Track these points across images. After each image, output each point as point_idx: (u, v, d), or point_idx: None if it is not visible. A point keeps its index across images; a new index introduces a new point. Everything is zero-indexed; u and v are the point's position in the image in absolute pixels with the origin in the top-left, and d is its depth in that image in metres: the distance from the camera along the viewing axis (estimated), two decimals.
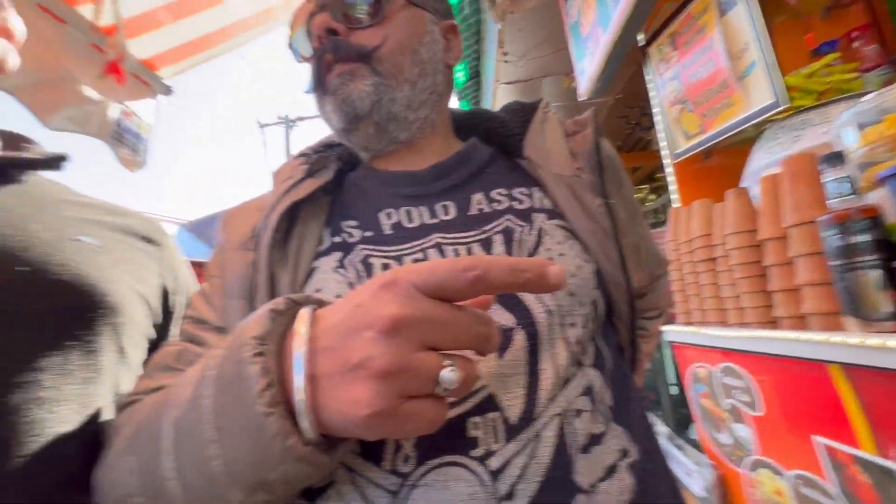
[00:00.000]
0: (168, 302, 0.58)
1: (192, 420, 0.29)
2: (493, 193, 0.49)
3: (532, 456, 0.34)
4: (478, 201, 0.48)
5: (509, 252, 0.43)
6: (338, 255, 0.45)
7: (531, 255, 0.43)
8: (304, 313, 0.29)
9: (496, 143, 0.56)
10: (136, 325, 0.51)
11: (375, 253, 0.45)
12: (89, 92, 1.31)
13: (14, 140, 0.53)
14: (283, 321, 0.30)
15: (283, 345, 0.29)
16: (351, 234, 0.47)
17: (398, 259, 0.44)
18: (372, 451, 0.34)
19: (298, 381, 0.26)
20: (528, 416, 0.35)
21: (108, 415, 0.46)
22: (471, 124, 0.60)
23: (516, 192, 0.49)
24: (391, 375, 0.25)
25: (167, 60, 1.61)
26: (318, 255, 0.46)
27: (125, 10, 1.34)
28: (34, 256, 0.44)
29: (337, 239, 0.47)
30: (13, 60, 0.47)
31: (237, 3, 1.68)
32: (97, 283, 0.47)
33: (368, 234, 0.47)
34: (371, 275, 0.43)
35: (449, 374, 0.26)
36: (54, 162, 0.51)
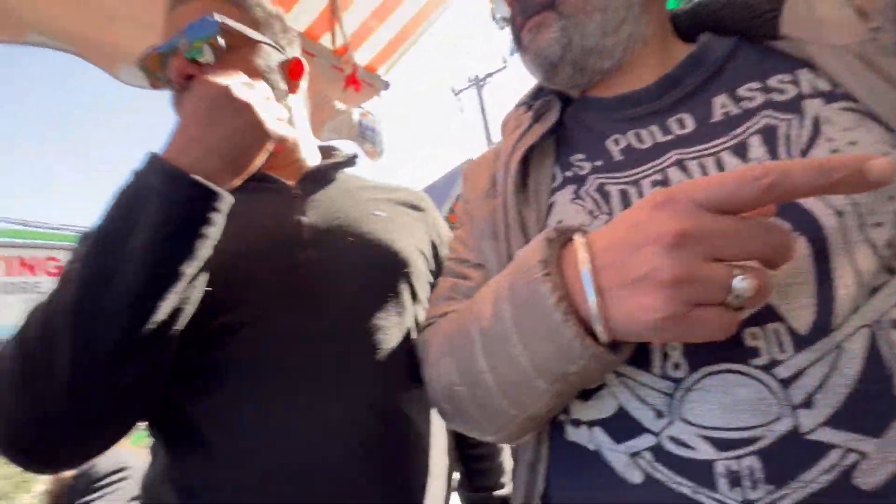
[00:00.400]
0: (437, 253, 0.72)
1: (496, 328, 0.38)
2: (741, 91, 0.43)
3: (833, 367, 0.31)
4: (721, 104, 0.43)
5: (773, 153, 0.38)
6: (572, 187, 0.48)
7: (805, 152, 0.37)
8: (578, 238, 0.34)
9: (736, 31, 0.48)
10: (420, 273, 0.66)
11: (609, 180, 0.46)
12: (338, 105, 1.66)
13: (326, 150, 0.74)
14: (556, 247, 0.35)
15: (560, 266, 0.34)
16: (581, 167, 0.49)
17: (635, 183, 0.44)
18: (640, 359, 0.37)
19: (590, 293, 0.31)
20: (822, 327, 0.32)
21: (414, 335, 0.62)
22: (697, 20, 0.53)
23: (774, 81, 0.41)
24: (679, 283, 0.27)
25: (382, 60, 1.89)
26: (553, 190, 0.50)
27: (347, 28, 1.63)
28: (354, 229, 0.61)
29: (568, 173, 0.50)
30: (292, 135, 0.60)
31: None
32: (392, 244, 0.63)
33: (598, 163, 0.48)
34: (608, 202, 0.45)
35: (741, 283, 0.26)
36: (352, 160, 0.70)
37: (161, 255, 0.41)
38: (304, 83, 0.70)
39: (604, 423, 0.39)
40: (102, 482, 1.60)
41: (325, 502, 0.48)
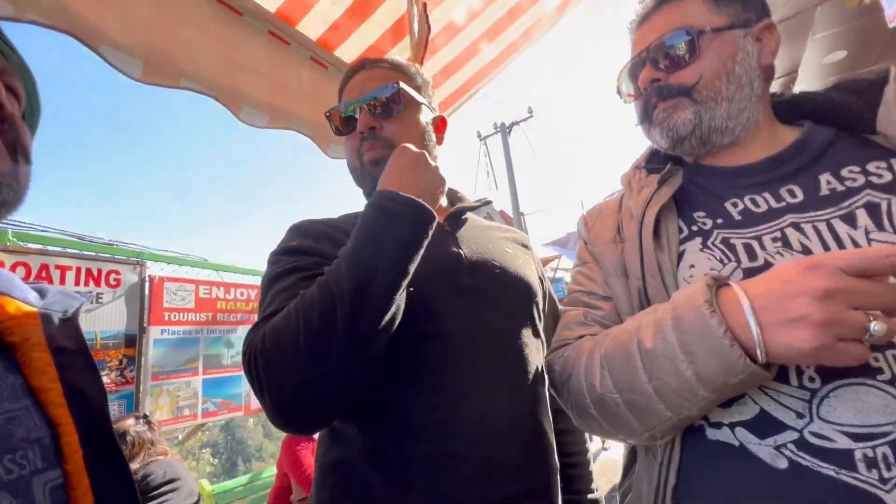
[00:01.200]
0: (543, 284, 0.85)
1: (661, 349, 0.49)
2: (844, 172, 0.55)
3: None
4: (826, 181, 0.55)
5: (878, 225, 0.49)
6: (699, 239, 0.60)
7: None
8: (735, 286, 0.46)
9: (835, 123, 0.60)
10: (538, 299, 0.78)
11: (732, 235, 0.58)
12: None
13: (452, 193, 0.88)
14: (714, 290, 0.47)
15: (719, 304, 0.46)
16: (704, 223, 0.61)
17: (758, 238, 0.56)
18: (778, 374, 0.48)
19: (754, 327, 0.43)
20: None
21: (541, 352, 0.73)
22: (798, 109, 0.66)
23: (872, 166, 0.53)
24: (828, 324, 0.39)
25: (442, 109, 2.09)
26: (682, 241, 0.62)
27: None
28: (497, 263, 0.74)
29: (694, 227, 0.62)
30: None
31: (486, 51, 2.04)
32: (524, 277, 0.75)
33: (719, 220, 0.60)
34: (735, 252, 0.56)
35: (876, 327, 0.38)
36: (486, 204, 0.83)
37: (404, 260, 0.55)
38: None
39: (746, 424, 0.49)
40: (157, 492, 1.67)
41: (496, 478, 0.60)
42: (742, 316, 0.44)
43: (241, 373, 2.99)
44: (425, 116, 0.80)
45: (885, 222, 0.49)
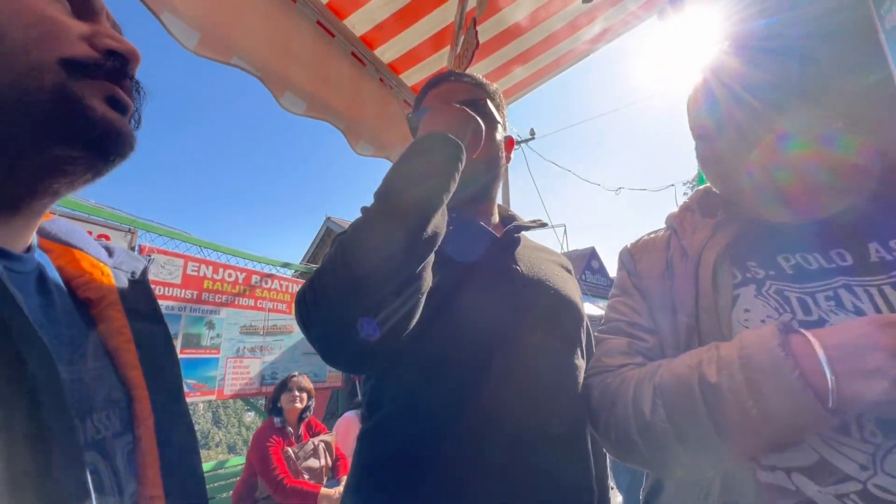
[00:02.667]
0: (581, 306, 0.87)
1: (728, 384, 0.52)
2: (891, 243, 0.59)
3: None
4: (875, 249, 0.59)
5: None
6: (753, 286, 0.64)
7: None
8: (807, 333, 0.49)
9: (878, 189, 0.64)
10: (585, 324, 0.80)
11: (786, 288, 0.62)
12: None
13: (505, 211, 0.90)
14: (785, 335, 0.51)
15: (790, 349, 0.49)
16: (757, 272, 0.65)
17: (811, 295, 0.59)
18: (839, 427, 0.51)
19: (829, 374, 0.46)
20: None
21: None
22: None
23: None
24: None
25: None
26: (737, 285, 0.65)
27: None
28: (550, 284, 0.76)
29: (747, 274, 0.65)
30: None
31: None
32: (574, 301, 0.77)
33: (771, 272, 0.64)
34: (789, 304, 0.60)
35: None
36: (541, 226, 0.86)
37: (427, 179, 0.59)
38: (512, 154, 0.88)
39: (804, 470, 0.52)
40: None
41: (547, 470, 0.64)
42: (817, 363, 0.47)
43: (219, 356, 2.92)
44: (500, 134, 0.82)
45: None
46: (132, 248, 2.53)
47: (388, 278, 0.54)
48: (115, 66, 0.39)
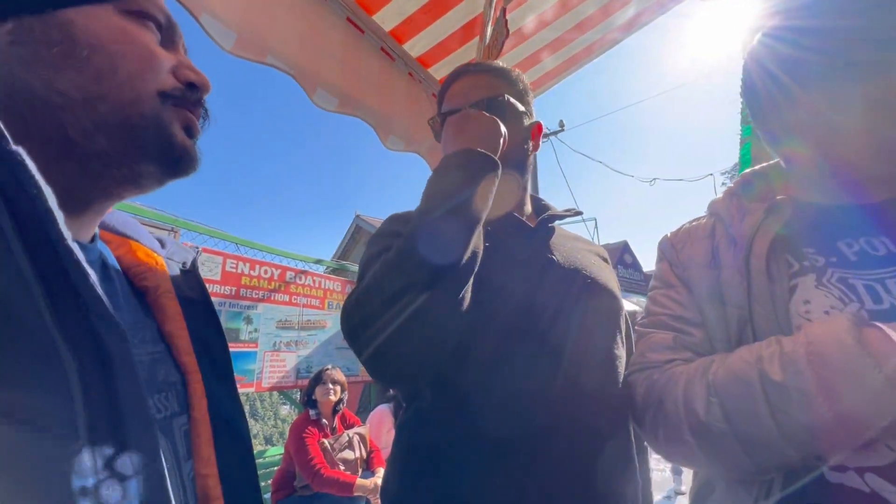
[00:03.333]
0: (619, 295, 0.84)
1: (795, 382, 0.48)
2: None
3: None
4: None
5: None
6: (812, 275, 0.59)
7: None
8: (885, 327, 0.46)
9: None
10: (624, 312, 0.78)
11: (850, 275, 0.57)
12: None
13: (539, 202, 0.88)
14: (859, 329, 0.47)
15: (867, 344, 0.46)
16: (816, 260, 0.60)
17: (881, 281, 0.55)
18: None
19: None
20: None
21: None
22: None
23: None
24: None
25: None
26: (794, 275, 0.61)
27: None
28: (588, 273, 0.74)
29: (805, 263, 0.61)
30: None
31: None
32: (612, 290, 0.75)
33: (832, 259, 0.59)
34: (856, 293, 0.55)
35: None
36: (575, 215, 0.84)
37: (462, 196, 0.58)
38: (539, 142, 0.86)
39: (880, 471, 0.49)
40: None
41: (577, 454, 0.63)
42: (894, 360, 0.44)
43: (257, 349, 3.01)
44: (525, 123, 0.80)
45: None
46: None
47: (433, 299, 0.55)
48: (195, 98, 0.44)
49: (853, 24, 0.61)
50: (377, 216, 11.95)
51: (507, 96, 0.76)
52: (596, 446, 0.63)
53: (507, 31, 1.43)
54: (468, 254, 0.56)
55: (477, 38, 1.76)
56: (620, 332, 0.74)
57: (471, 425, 0.61)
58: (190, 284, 0.53)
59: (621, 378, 0.70)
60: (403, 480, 0.64)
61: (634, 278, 16.01)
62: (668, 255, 0.80)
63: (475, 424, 0.61)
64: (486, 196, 0.60)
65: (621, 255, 15.78)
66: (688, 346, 0.67)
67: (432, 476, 0.61)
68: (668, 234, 0.83)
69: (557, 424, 0.61)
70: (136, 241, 0.52)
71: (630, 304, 12.08)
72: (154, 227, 2.59)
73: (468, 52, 1.82)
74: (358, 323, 0.57)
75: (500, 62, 0.86)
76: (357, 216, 11.24)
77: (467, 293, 0.58)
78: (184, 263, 0.56)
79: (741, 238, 0.67)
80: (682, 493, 4.24)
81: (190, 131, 0.43)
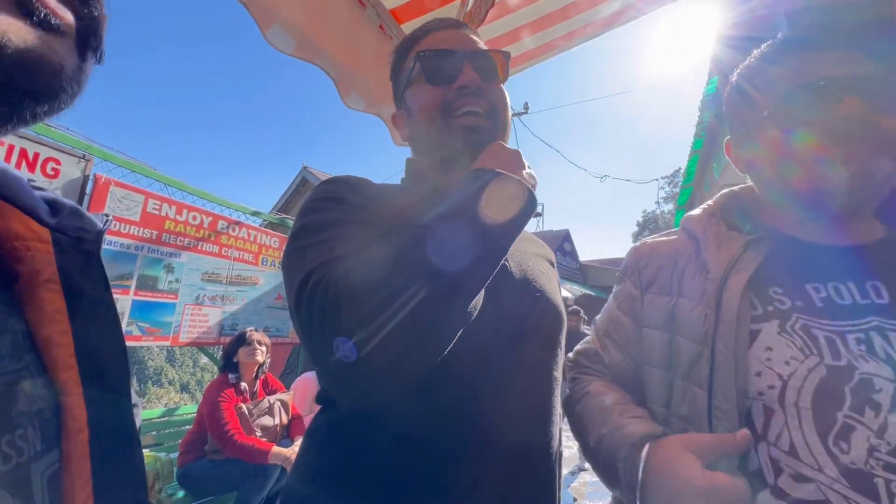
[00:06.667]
0: (563, 307, 0.81)
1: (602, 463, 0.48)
2: None
3: None
4: None
5: None
6: (776, 321, 0.57)
7: None
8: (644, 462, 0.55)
9: None
10: (565, 327, 0.74)
11: (814, 324, 0.55)
12: None
13: None
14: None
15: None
16: (783, 302, 0.59)
17: (841, 335, 0.54)
18: (867, 491, 0.48)
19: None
20: None
21: None
22: (890, 201, 0.62)
23: None
24: None
25: None
26: (757, 319, 0.59)
27: None
28: (537, 284, 0.68)
29: (770, 308, 0.59)
30: None
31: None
32: (557, 305, 0.71)
33: (798, 303, 0.57)
34: (816, 344, 0.54)
35: None
36: (536, 216, 0.78)
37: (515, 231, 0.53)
38: None
39: None
40: None
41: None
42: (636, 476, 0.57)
43: (177, 301, 2.77)
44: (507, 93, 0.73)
45: None
46: (86, 178, 2.31)
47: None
48: None
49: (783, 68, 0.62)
50: (327, 171, 11.37)
51: (507, 59, 0.71)
52: (533, 464, 0.60)
53: None
54: (487, 281, 0.51)
55: (459, 1, 1.62)
56: (562, 351, 0.70)
57: (395, 450, 0.55)
58: (86, 271, 0.40)
59: (557, 400, 0.66)
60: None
61: (571, 266, 16.75)
62: (629, 269, 0.78)
63: (401, 449, 0.55)
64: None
65: (561, 243, 16.39)
66: (605, 363, 0.78)
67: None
68: (637, 245, 0.81)
69: (488, 451, 0.56)
70: (10, 202, 0.37)
71: (564, 291, 12.66)
72: (61, 152, 2.23)
73: (448, 13, 1.68)
74: (361, 318, 0.44)
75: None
76: (304, 168, 10.63)
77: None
78: (80, 239, 0.41)
79: (716, 269, 0.64)
80: (585, 470, 4.59)
81: (38, 15, 0.28)
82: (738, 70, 0.70)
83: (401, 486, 0.53)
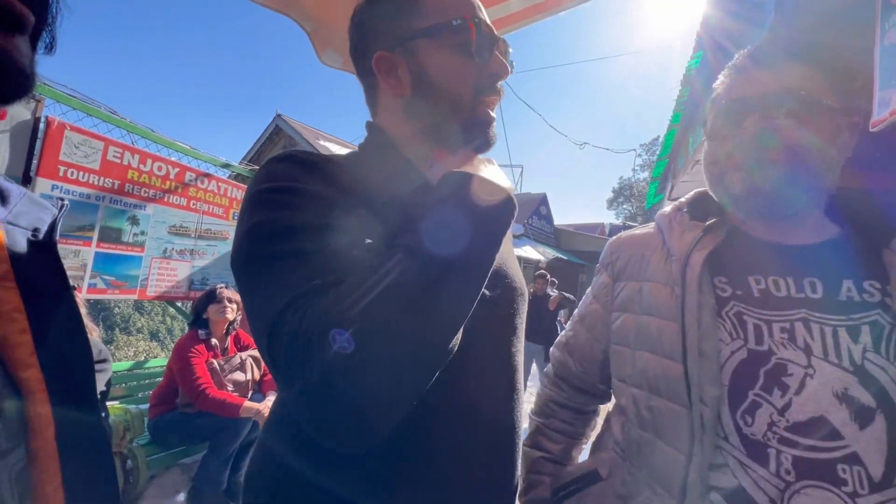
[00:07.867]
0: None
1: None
2: (865, 284, 0.58)
3: None
4: (847, 288, 0.58)
5: (876, 347, 0.54)
6: (716, 307, 0.63)
7: None
8: None
9: (867, 235, 0.62)
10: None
11: (747, 312, 0.61)
12: None
13: None
14: None
15: None
16: (723, 290, 0.64)
17: (768, 323, 0.59)
18: (760, 457, 0.54)
19: None
20: (887, 481, 0.51)
21: None
22: (842, 204, 0.67)
23: (892, 287, 0.56)
24: None
25: None
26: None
27: None
28: (506, 270, 0.70)
29: (715, 293, 0.64)
30: None
31: None
32: (523, 290, 0.73)
33: (738, 292, 0.63)
34: (744, 329, 0.60)
35: None
36: None
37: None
38: None
39: (725, 494, 0.56)
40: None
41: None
42: None
43: (143, 254, 2.69)
44: None
45: (883, 346, 0.54)
46: (37, 120, 2.15)
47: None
48: None
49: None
50: (302, 120, 10.89)
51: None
52: (504, 460, 0.65)
53: None
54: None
55: None
56: (523, 321, 0.72)
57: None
58: (42, 265, 0.39)
59: (521, 375, 0.69)
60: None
61: (545, 230, 17.00)
62: (605, 260, 0.85)
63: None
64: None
65: (538, 206, 16.51)
66: (565, 377, 0.89)
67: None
68: (611, 241, 0.86)
69: (470, 442, 0.60)
70: None
71: (536, 253, 12.87)
72: None
73: None
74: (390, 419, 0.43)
75: None
76: (278, 115, 10.13)
77: None
78: (35, 231, 0.40)
79: (678, 251, 0.69)
80: None
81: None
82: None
83: (386, 449, 0.54)
